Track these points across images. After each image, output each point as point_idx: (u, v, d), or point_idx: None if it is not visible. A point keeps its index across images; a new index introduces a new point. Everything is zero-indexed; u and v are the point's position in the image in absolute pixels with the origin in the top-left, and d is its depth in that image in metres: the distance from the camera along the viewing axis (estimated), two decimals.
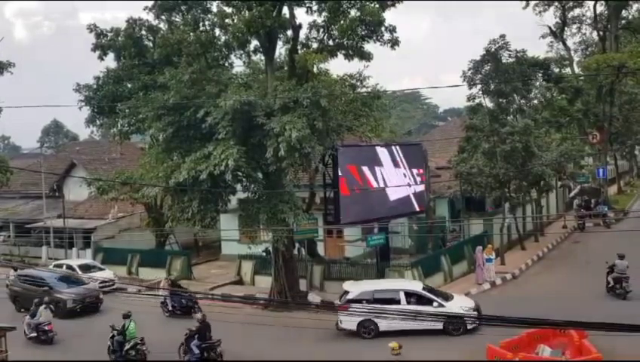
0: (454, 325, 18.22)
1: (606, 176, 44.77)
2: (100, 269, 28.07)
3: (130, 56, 27.30)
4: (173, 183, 20.23)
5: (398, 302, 18.63)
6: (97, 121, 29.22)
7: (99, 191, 31.31)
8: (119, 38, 27.91)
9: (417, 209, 28.35)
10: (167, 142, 21.50)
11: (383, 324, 18.05)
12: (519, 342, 14.76)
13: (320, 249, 28.12)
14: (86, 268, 27.56)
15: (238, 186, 22.23)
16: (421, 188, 28.14)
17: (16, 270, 25.97)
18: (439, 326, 18.10)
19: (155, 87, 23.36)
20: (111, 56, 28.38)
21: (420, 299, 18.91)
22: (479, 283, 24.54)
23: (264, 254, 26.67)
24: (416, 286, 20.36)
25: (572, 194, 45.04)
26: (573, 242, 33.66)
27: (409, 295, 19.00)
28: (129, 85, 26.99)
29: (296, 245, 25.17)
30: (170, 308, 22.54)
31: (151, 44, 27.90)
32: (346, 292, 19.55)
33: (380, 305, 17.97)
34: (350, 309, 17.90)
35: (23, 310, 22.70)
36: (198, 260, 32.49)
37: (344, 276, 24.70)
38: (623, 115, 49.35)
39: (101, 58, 28.02)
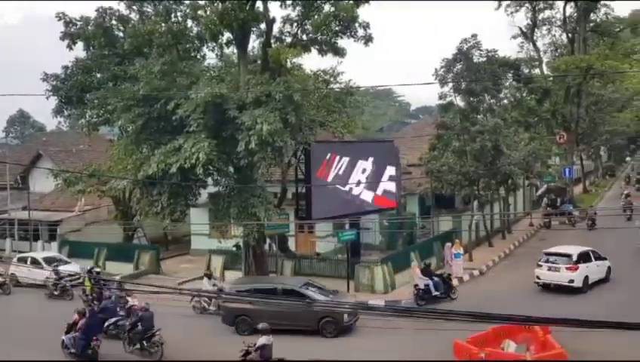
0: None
1: (572, 175, 45.84)
2: (66, 262, 27.52)
3: (100, 45, 26.70)
4: (143, 176, 19.96)
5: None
6: (65, 112, 28.56)
7: (65, 184, 30.64)
8: (89, 27, 27.33)
9: (388, 205, 28.55)
10: (136, 134, 21.19)
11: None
12: (485, 338, 14.98)
13: (291, 244, 28.09)
14: (51, 261, 26.99)
15: (209, 180, 22.04)
16: (392, 185, 28.34)
17: None
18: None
19: (125, 78, 22.92)
20: (80, 45, 27.79)
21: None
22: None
23: (234, 249, 26.50)
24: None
25: (539, 192, 46.02)
26: (539, 240, 34.35)
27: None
28: (98, 75, 26.43)
29: (267, 240, 25.09)
30: None
31: (121, 34, 27.38)
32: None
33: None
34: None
35: None
36: (166, 255, 32.13)
37: (315, 271, 24.76)
38: (589, 116, 50.56)
39: (70, 47, 27.38)
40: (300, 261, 25.98)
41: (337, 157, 25.55)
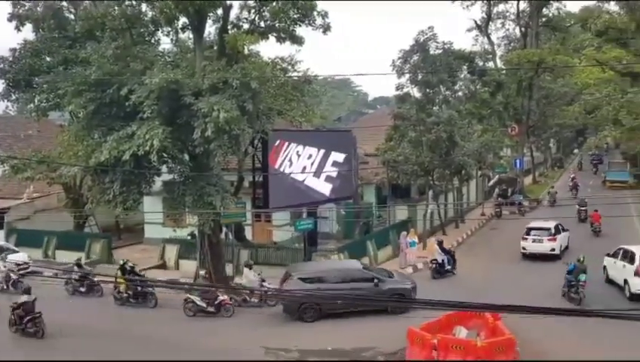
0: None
1: (522, 166, 47.22)
2: (14, 251, 26.62)
3: (50, 28, 25.74)
4: (94, 163, 19.41)
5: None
6: (13, 96, 27.47)
7: (13, 170, 29.54)
8: (38, 9, 26.34)
9: (345, 195, 28.72)
10: (87, 119, 20.55)
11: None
12: (438, 324, 15.30)
13: (248, 233, 27.94)
14: None
15: (163, 168, 21.65)
16: (350, 174, 28.50)
17: None
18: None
19: (77, 62, 22.14)
20: (28, 27, 26.75)
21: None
22: (402, 267, 25.22)
23: (189, 238, 26.18)
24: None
25: (491, 183, 47.21)
26: (490, 228, 35.33)
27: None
28: (48, 59, 25.48)
29: (224, 229, 24.89)
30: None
31: (72, 17, 26.50)
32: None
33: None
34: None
35: None
36: (119, 243, 31.49)
37: (271, 261, 24.72)
38: (540, 109, 51.99)
39: (18, 29, 26.32)
40: (256, 250, 25.87)
41: (294, 146, 25.53)
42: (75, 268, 22.97)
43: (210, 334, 17.63)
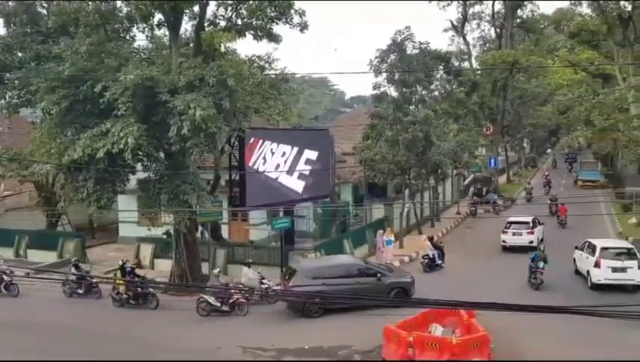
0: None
1: (497, 166, 47.84)
2: None
3: (22, 23, 25.24)
4: (67, 161, 19.12)
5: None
6: None
7: None
8: (10, 3, 25.82)
9: (322, 193, 28.73)
10: (60, 116, 20.23)
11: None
12: (414, 322, 15.42)
13: (224, 232, 27.77)
14: None
15: (138, 166, 21.39)
16: (326, 173, 28.51)
17: None
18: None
19: (49, 58, 21.76)
20: (0, 22, 26.22)
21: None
22: (381, 264, 25.32)
23: (165, 237, 25.92)
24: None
25: (466, 182, 47.74)
26: (465, 227, 35.73)
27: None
28: (20, 54, 25.00)
29: (200, 228, 24.69)
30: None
31: (45, 12, 26.01)
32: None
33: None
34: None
35: None
36: (93, 243, 31.04)
37: (248, 259, 24.60)
38: (514, 109, 52.79)
39: None
40: (233, 249, 25.73)
41: (271, 145, 25.46)
42: (73, 268, 22.27)
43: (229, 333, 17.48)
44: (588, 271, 21.17)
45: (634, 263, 20.20)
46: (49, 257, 27.08)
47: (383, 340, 14.93)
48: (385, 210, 31.64)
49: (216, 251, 25.30)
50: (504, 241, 27.98)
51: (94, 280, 21.62)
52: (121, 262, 21.51)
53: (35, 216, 30.11)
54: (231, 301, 19.13)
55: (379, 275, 19.25)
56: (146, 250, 26.73)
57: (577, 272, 22.60)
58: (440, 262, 24.95)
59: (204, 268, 23.73)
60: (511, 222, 28.43)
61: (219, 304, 19.05)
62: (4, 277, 22.09)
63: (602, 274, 20.36)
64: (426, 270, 24.42)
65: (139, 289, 20.15)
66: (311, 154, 27.44)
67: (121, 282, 20.29)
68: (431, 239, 25.91)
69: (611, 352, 14.39)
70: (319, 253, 24.23)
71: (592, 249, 21.46)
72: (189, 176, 20.89)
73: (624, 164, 42.33)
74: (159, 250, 26.47)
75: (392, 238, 26.40)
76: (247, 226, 28.93)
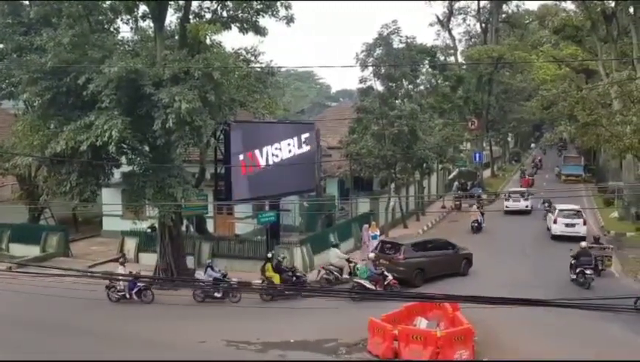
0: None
1: (482, 160, 48.17)
2: None
3: (3, 13, 24.87)
4: (50, 154, 18.88)
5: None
6: None
7: None
8: None
9: (308, 187, 28.71)
10: (43, 108, 19.96)
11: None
12: (399, 315, 15.54)
13: (210, 226, 27.66)
14: None
15: (123, 159, 21.19)
16: (312, 167, 28.48)
17: None
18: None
19: (31, 49, 21.42)
20: None
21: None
22: (364, 259, 25.41)
23: (149, 231, 25.75)
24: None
25: (451, 176, 48.04)
26: (450, 221, 35.95)
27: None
28: (1, 46, 24.64)
29: (185, 221, 24.56)
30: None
31: (27, 2, 25.62)
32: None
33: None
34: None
35: None
36: (76, 236, 30.72)
37: (234, 253, 24.55)
38: (499, 104, 53.16)
39: None
40: (218, 242, 25.63)
41: (257, 138, 25.35)
42: (209, 270, 20.54)
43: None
44: (548, 227, 30.01)
45: (580, 221, 28.33)
46: (32, 251, 26.77)
47: (368, 333, 15.01)
48: (370, 204, 31.73)
49: (202, 245, 25.20)
50: (507, 207, 36.36)
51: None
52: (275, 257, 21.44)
53: (18, 209, 29.69)
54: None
55: (456, 248, 23.40)
56: (131, 244, 26.54)
57: (548, 229, 30.17)
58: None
59: (189, 261, 23.65)
60: (511, 192, 37.49)
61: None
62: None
63: (558, 228, 28.59)
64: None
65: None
66: (296, 147, 27.38)
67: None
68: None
69: (589, 343, 14.68)
70: (305, 247, 24.22)
71: (553, 211, 29.77)
72: (174, 170, 20.76)
73: (606, 159, 42.85)
74: (144, 244, 26.27)
75: (378, 233, 26.46)
76: (233, 220, 28.84)
